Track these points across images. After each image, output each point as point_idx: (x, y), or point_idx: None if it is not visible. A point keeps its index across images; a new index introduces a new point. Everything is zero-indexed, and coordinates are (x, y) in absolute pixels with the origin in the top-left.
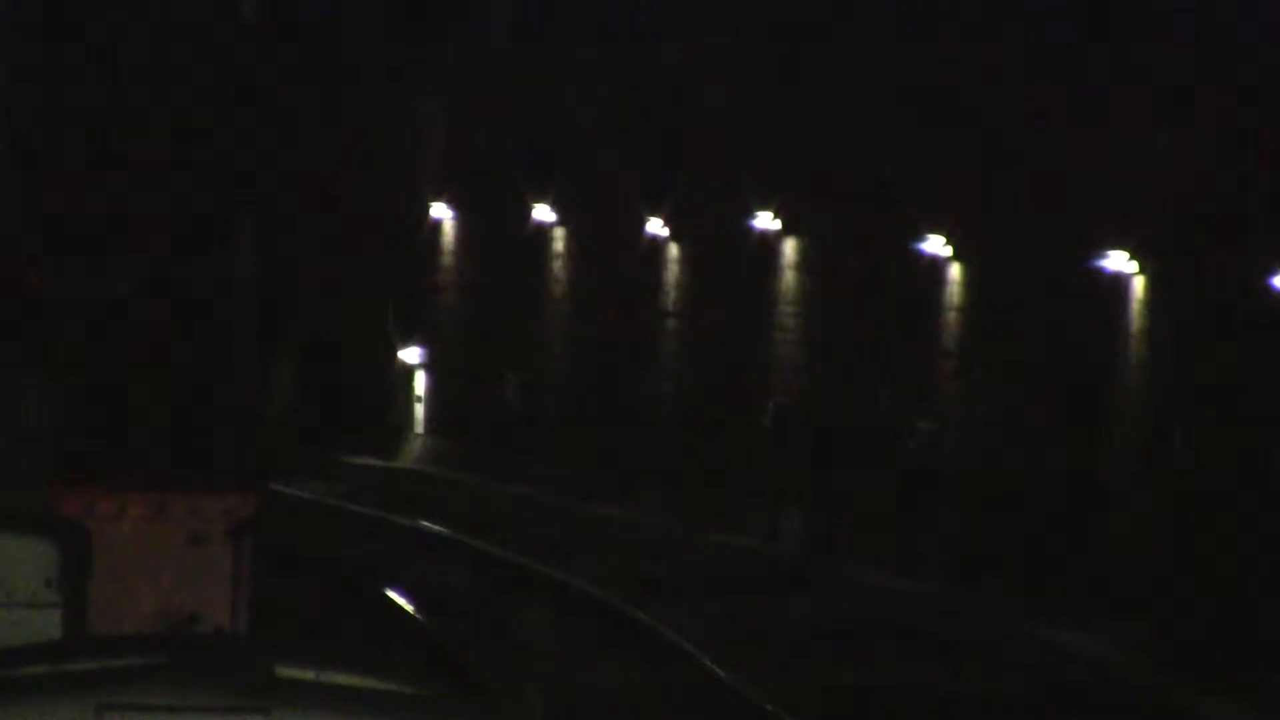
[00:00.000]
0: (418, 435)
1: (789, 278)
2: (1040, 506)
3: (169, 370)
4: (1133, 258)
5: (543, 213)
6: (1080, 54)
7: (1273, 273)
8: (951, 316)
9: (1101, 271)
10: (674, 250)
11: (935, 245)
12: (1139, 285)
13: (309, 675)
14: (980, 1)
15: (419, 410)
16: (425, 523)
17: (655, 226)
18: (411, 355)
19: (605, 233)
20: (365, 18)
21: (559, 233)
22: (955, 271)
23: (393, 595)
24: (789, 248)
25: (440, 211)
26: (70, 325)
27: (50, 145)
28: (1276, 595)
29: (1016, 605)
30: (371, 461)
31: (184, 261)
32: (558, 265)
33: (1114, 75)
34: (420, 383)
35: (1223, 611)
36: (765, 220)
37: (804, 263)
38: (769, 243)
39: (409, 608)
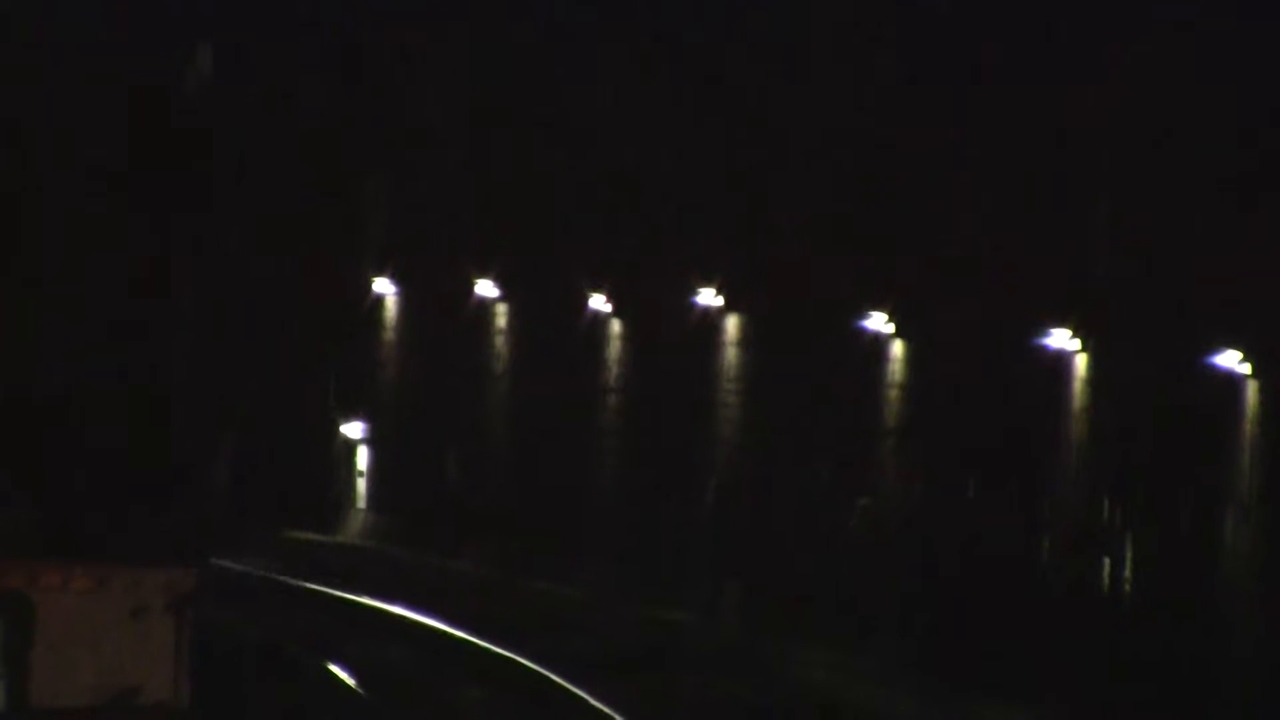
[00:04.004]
0: (359, 510)
1: (730, 354)
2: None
3: (112, 448)
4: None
5: (485, 288)
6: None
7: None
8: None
9: (1044, 349)
10: (616, 326)
11: (877, 323)
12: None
13: None
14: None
15: (361, 485)
16: (366, 598)
17: (598, 302)
18: (353, 430)
19: (548, 308)
20: (311, 94)
21: (501, 308)
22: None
23: (334, 669)
24: (731, 324)
25: (383, 287)
26: (16, 406)
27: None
28: None
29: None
30: (312, 536)
31: (125, 340)
32: (500, 341)
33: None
34: (362, 458)
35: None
36: (708, 297)
37: (746, 339)
38: (711, 319)
39: (350, 682)
